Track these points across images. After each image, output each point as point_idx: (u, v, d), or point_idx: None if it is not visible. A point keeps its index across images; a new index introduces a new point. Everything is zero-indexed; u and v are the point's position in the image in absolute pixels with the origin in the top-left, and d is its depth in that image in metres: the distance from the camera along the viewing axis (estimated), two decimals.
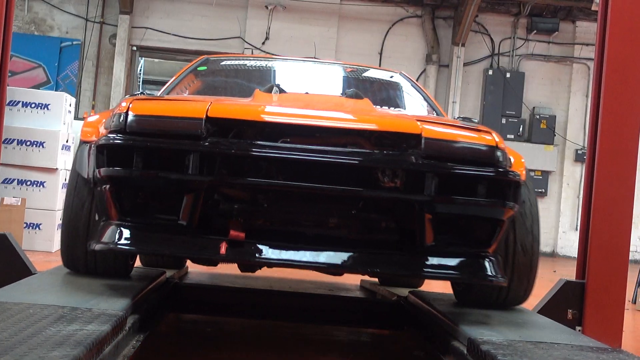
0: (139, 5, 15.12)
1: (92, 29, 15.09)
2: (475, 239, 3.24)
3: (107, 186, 3.09)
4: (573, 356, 2.70)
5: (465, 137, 3.22)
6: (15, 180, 8.16)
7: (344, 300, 4.91)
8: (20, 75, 14.25)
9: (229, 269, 4.95)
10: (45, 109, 8.32)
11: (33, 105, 8.32)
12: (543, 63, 15.84)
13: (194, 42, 14.95)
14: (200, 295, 4.56)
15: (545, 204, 15.25)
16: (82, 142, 3.66)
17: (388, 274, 4.21)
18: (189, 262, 5.73)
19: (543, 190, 15.26)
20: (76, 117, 10.46)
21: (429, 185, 3.04)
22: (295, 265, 3.13)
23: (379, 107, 4.26)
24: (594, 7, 13.91)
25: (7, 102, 7.20)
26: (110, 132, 3.12)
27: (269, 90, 3.96)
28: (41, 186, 8.16)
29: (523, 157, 3.63)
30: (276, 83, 4.15)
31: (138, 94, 3.82)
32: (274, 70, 5.35)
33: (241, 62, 5.62)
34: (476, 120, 3.68)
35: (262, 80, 4.95)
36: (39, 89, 12.88)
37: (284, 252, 3.10)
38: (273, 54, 14.02)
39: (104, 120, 3.43)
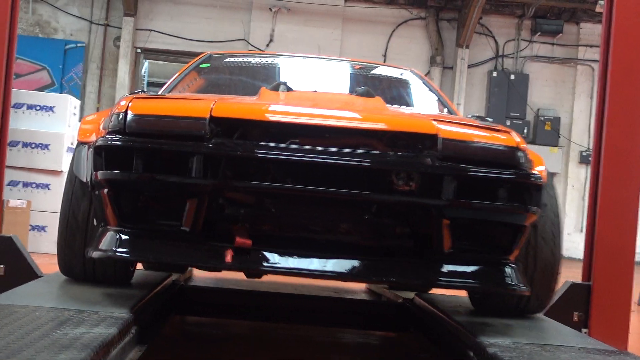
0: (143, 7, 15.14)
1: (96, 32, 15.13)
2: (495, 245, 3.05)
3: (105, 190, 2.92)
4: (580, 359, 2.70)
5: (484, 137, 3.02)
6: (21, 183, 8.17)
7: (349, 303, 4.90)
8: (24, 78, 14.28)
9: (234, 272, 4.94)
10: (50, 111, 8.33)
11: (38, 108, 8.33)
12: (547, 65, 15.83)
13: (198, 45, 14.96)
14: (206, 298, 4.55)
15: None
16: (80, 143, 3.45)
17: (403, 284, 3.91)
18: None
19: None
20: (81, 120, 10.47)
21: (447, 188, 2.85)
22: (305, 274, 2.94)
23: (389, 105, 3.99)
24: (598, 9, 13.92)
25: (12, 104, 7.21)
26: (109, 133, 2.94)
27: (276, 89, 3.76)
28: (46, 188, 8.17)
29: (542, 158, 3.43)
30: (283, 81, 3.93)
31: (139, 91, 3.57)
32: (281, 68, 5.10)
33: (246, 59, 5.33)
34: (490, 120, 3.49)
35: (268, 78, 4.70)
36: (43, 92, 12.89)
37: (293, 260, 2.92)
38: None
39: (103, 119, 3.21)
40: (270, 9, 15.14)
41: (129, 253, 2.95)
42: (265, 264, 2.91)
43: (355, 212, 3.01)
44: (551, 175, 3.39)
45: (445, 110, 4.52)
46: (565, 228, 15.47)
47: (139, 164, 2.83)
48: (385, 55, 15.34)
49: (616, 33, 4.46)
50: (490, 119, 3.54)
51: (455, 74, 15.33)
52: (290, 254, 2.93)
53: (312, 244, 3.02)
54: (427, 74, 15.37)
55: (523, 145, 3.03)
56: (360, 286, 6.54)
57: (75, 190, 3.38)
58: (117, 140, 2.87)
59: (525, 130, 15.30)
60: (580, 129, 15.61)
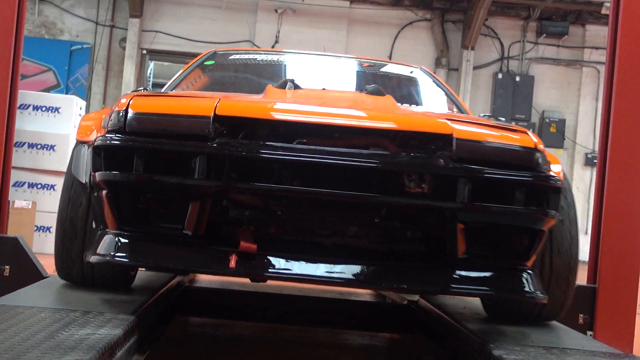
0: (149, 8, 15.15)
1: (102, 33, 15.14)
2: (512, 250, 2.92)
3: (104, 192, 2.82)
4: None
5: (500, 137, 2.90)
6: (26, 184, 8.19)
7: (353, 304, 4.89)
8: (30, 79, 14.30)
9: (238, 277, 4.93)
10: (56, 112, 8.35)
11: (44, 109, 8.35)
12: (553, 66, 15.80)
13: (204, 46, 14.95)
14: (210, 299, 4.54)
15: None
16: (79, 142, 3.34)
17: (415, 291, 3.73)
18: None
19: None
20: None
21: (461, 191, 2.74)
22: (313, 281, 2.84)
23: (400, 104, 3.80)
24: (603, 11, 13.90)
25: (18, 105, 7.23)
26: (108, 132, 2.83)
27: (283, 86, 3.64)
28: (52, 189, 8.18)
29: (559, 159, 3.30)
30: (290, 78, 3.78)
31: (141, 89, 3.53)
32: (287, 65, 4.95)
33: (252, 56, 5.19)
34: (503, 120, 3.33)
35: (275, 75, 4.55)
36: (49, 93, 12.91)
37: (299, 265, 2.80)
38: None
39: (103, 117, 3.08)
40: (276, 10, 15.14)
41: (128, 258, 2.83)
42: (270, 270, 2.80)
43: (365, 215, 2.90)
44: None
45: (456, 109, 4.41)
46: None
47: (140, 165, 2.73)
48: (390, 57, 15.32)
49: (622, 35, 4.45)
50: (502, 119, 3.43)
51: (460, 75, 15.31)
52: (297, 259, 2.82)
53: (320, 248, 2.91)
54: None
55: (541, 146, 2.92)
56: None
57: (74, 191, 3.27)
58: (116, 140, 2.77)
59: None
60: (586, 131, 15.58)
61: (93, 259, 2.87)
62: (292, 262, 2.81)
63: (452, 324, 3.48)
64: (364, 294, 6.25)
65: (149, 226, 2.84)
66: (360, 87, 4.21)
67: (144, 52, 15.24)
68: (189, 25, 15.13)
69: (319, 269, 2.80)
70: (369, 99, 3.56)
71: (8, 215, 4.91)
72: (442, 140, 2.82)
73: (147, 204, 2.82)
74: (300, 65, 5.00)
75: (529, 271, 2.95)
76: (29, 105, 8.29)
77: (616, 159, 4.39)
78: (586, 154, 15.45)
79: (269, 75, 4.61)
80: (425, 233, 2.93)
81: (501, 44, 15.76)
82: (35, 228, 7.98)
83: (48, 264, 4.46)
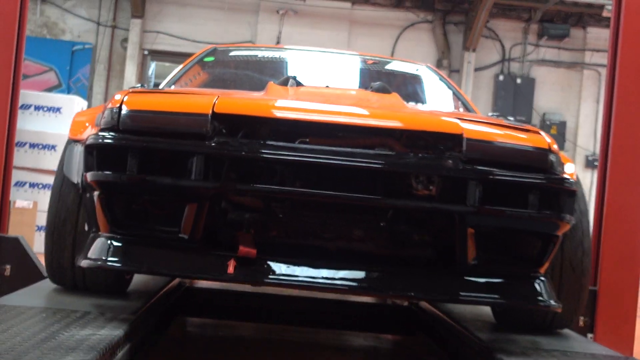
0: (150, 9, 15.16)
1: (103, 33, 15.14)
2: (524, 257, 2.81)
3: (97, 193, 2.70)
4: None
5: (512, 138, 2.78)
6: (27, 184, 8.19)
7: (355, 305, 4.87)
8: (32, 79, 14.30)
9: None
10: (57, 112, 8.36)
11: (45, 109, 8.36)
12: (554, 69, 15.80)
13: (205, 46, 14.96)
14: (211, 299, 4.54)
15: None
16: (71, 141, 3.18)
17: (423, 299, 3.58)
18: None
19: None
20: None
21: (472, 194, 2.62)
22: (316, 287, 2.72)
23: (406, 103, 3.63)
24: (605, 14, 13.91)
25: (20, 105, 7.24)
26: (101, 130, 2.70)
27: (284, 83, 3.49)
28: None
29: (571, 160, 3.20)
30: (292, 75, 3.64)
31: (138, 86, 3.39)
32: (290, 62, 4.80)
33: (253, 52, 5.04)
34: (512, 119, 3.17)
35: (276, 72, 4.38)
36: (50, 93, 12.92)
37: (301, 271, 2.67)
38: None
39: (97, 115, 2.93)
40: (278, 12, 15.14)
41: (120, 263, 2.70)
42: (271, 276, 2.68)
43: (370, 218, 2.78)
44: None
45: (464, 108, 4.30)
46: None
47: (134, 165, 2.60)
48: None
49: (624, 38, 4.46)
50: (511, 118, 3.27)
51: (461, 77, 15.31)
52: (299, 264, 2.69)
53: (323, 253, 2.79)
54: None
55: (554, 146, 2.81)
56: None
57: (64, 191, 3.13)
58: (109, 138, 2.64)
59: None
60: (586, 133, 15.58)
61: (84, 263, 2.74)
62: (294, 267, 2.69)
63: (453, 325, 3.48)
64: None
65: (143, 229, 2.72)
66: (365, 85, 4.08)
67: (146, 52, 15.24)
68: (190, 25, 15.13)
69: (322, 275, 2.68)
70: (374, 96, 3.44)
71: (9, 215, 4.91)
72: (451, 141, 2.70)
73: (141, 206, 2.71)
74: (303, 62, 4.86)
75: (542, 278, 2.83)
76: (31, 105, 8.30)
77: (617, 162, 4.39)
78: (587, 156, 15.44)
79: (270, 72, 4.45)
80: (433, 238, 2.81)
81: (502, 46, 15.76)
82: (37, 228, 7.98)
83: None
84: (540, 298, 2.78)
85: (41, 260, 4.28)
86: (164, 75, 19.43)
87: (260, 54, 4.95)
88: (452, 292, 2.74)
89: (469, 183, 2.63)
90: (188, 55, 16.36)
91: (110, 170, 2.63)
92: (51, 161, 8.18)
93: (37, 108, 8.38)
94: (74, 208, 3.09)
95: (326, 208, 2.76)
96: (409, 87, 4.70)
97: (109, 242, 2.72)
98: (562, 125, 15.46)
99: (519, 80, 15.50)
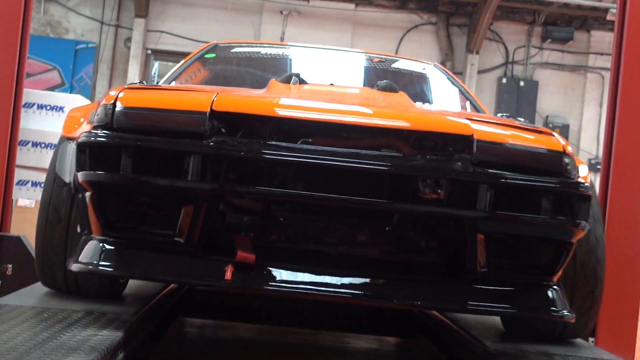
0: (154, 9, 15.17)
1: (107, 32, 15.16)
2: (537, 264, 2.68)
3: (89, 193, 2.57)
4: None
5: (525, 139, 2.67)
6: (30, 182, 8.19)
7: (356, 307, 4.86)
8: (35, 77, 14.31)
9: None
10: (60, 111, 8.35)
11: (48, 108, 8.35)
12: (557, 72, 15.80)
13: None
14: (212, 300, 4.53)
15: None
16: (64, 139, 3.07)
17: (430, 308, 3.44)
18: None
19: None
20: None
21: (483, 198, 2.50)
22: (317, 295, 2.59)
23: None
24: (609, 17, 13.90)
25: (23, 104, 7.25)
26: (94, 128, 2.58)
27: (287, 81, 3.36)
28: None
29: (584, 163, 3.07)
30: (295, 72, 3.49)
31: (137, 83, 3.22)
32: (293, 59, 4.66)
33: (255, 49, 4.86)
34: (522, 120, 3.10)
35: (279, 69, 4.22)
36: (53, 91, 12.92)
37: (302, 277, 2.55)
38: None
39: (91, 112, 2.81)
40: (281, 12, 15.15)
41: (113, 267, 2.58)
42: (270, 282, 2.55)
43: (375, 223, 2.67)
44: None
45: (473, 109, 4.18)
46: None
47: (128, 164, 2.49)
48: None
49: (628, 41, 4.45)
50: (522, 119, 3.15)
51: (464, 79, 15.30)
52: (300, 271, 2.57)
53: (325, 259, 2.66)
54: None
55: (569, 149, 2.69)
56: None
57: (56, 191, 2.99)
58: (102, 137, 2.52)
59: None
60: (589, 136, 15.58)
61: (75, 267, 2.63)
62: (295, 273, 2.57)
63: (453, 328, 3.47)
64: None
65: (137, 232, 2.60)
66: (370, 84, 3.91)
67: (149, 52, 15.26)
68: (194, 26, 15.14)
69: (324, 282, 2.55)
70: (380, 95, 3.31)
71: (11, 214, 4.92)
72: (461, 142, 2.58)
73: (135, 208, 2.59)
74: (306, 60, 4.72)
75: (555, 287, 2.71)
76: (34, 104, 8.28)
77: (620, 166, 4.39)
78: (589, 160, 15.43)
79: (273, 70, 4.29)
80: (441, 244, 2.68)
81: (506, 48, 15.76)
82: None
83: None
84: (553, 308, 2.67)
85: None
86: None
87: (263, 50, 4.81)
88: (460, 301, 2.63)
89: (480, 187, 2.52)
90: None
91: (103, 170, 2.52)
92: None
93: (40, 107, 8.37)
94: (66, 209, 2.96)
95: (329, 211, 2.65)
96: (416, 86, 4.55)
97: (101, 245, 2.60)
98: (565, 129, 15.45)
99: (522, 83, 15.50)
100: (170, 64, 16.81)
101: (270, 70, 4.32)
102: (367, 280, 2.59)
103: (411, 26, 15.61)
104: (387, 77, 4.06)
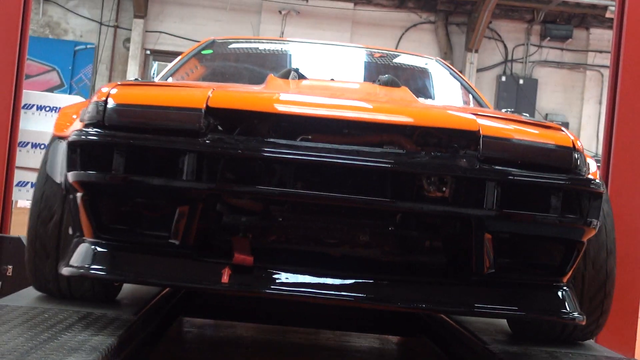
0: (153, 9, 15.18)
1: (106, 33, 15.17)
2: (546, 265, 2.59)
3: (80, 194, 2.48)
4: None
5: (533, 135, 2.56)
6: (29, 184, 8.18)
7: (357, 307, 4.85)
8: (34, 79, 14.32)
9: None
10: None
11: (47, 109, 8.34)
12: (556, 70, 15.81)
13: None
14: (213, 300, 4.52)
15: None
16: (55, 137, 2.94)
17: (435, 311, 3.29)
18: None
19: None
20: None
21: (490, 196, 2.42)
22: (318, 298, 2.49)
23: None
24: (608, 15, 13.91)
25: (22, 105, 7.25)
26: (85, 126, 2.48)
27: (286, 76, 3.26)
28: None
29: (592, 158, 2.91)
30: (294, 67, 3.39)
31: (133, 80, 3.12)
32: (292, 55, 4.51)
33: (253, 44, 4.77)
34: (527, 116, 2.99)
35: (278, 65, 4.05)
36: (53, 93, 12.93)
37: (303, 281, 2.47)
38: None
39: (82, 109, 2.69)
40: (280, 12, 15.16)
41: (105, 271, 2.49)
42: (269, 285, 2.46)
43: (378, 222, 2.59)
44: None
45: (477, 104, 4.07)
46: None
47: (120, 164, 2.39)
48: None
49: (627, 39, 4.46)
50: (526, 115, 3.05)
51: None
52: (300, 273, 2.49)
53: (326, 261, 2.58)
54: None
55: (579, 144, 2.59)
56: None
57: (47, 192, 2.86)
58: (94, 135, 2.42)
59: None
60: (589, 134, 15.58)
61: (65, 271, 2.53)
62: (294, 276, 2.48)
63: (455, 327, 3.47)
64: None
65: (131, 234, 2.50)
66: (371, 79, 3.77)
67: (148, 52, 15.28)
68: (193, 26, 15.16)
69: (325, 285, 2.47)
70: (382, 90, 3.20)
71: (11, 215, 4.92)
72: (467, 138, 2.48)
73: (128, 209, 2.51)
74: (306, 55, 4.58)
75: (565, 288, 2.62)
76: (33, 105, 8.27)
77: (620, 163, 4.40)
78: None
79: (272, 66, 4.12)
80: (446, 244, 2.59)
81: (505, 46, 15.77)
82: None
83: None
84: (563, 310, 2.57)
85: None
86: None
87: (261, 46, 4.71)
88: (466, 304, 2.53)
89: (487, 184, 2.43)
90: None
91: (95, 170, 2.42)
92: None
93: (40, 108, 8.37)
94: (58, 210, 2.83)
95: (330, 211, 2.56)
96: (419, 82, 4.43)
97: (92, 248, 2.51)
98: (564, 127, 15.40)
99: (521, 81, 15.52)
100: (169, 64, 16.82)
101: (268, 66, 4.19)
102: (370, 282, 2.51)
103: (410, 25, 15.62)
104: (389, 72, 3.97)
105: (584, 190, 2.51)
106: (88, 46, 15.13)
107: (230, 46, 4.62)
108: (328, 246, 2.60)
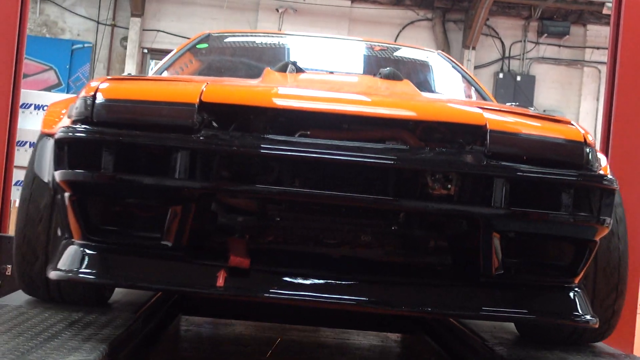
0: (150, 8, 15.17)
1: (103, 32, 15.15)
2: (556, 265, 2.47)
3: (68, 194, 2.37)
4: None
5: (543, 129, 2.43)
6: None
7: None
8: (31, 78, 14.30)
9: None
10: None
11: (45, 108, 8.34)
12: (554, 66, 15.81)
13: None
14: (213, 298, 4.51)
15: None
16: (43, 135, 2.82)
17: (441, 315, 3.16)
18: None
19: None
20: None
21: (498, 194, 2.29)
22: (319, 302, 2.40)
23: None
24: (605, 11, 13.91)
25: (20, 104, 7.25)
26: (73, 122, 2.38)
27: (283, 69, 3.14)
28: None
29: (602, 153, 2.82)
30: (292, 60, 3.27)
31: (127, 75, 2.98)
32: (289, 48, 4.35)
33: (249, 38, 4.63)
34: (532, 109, 2.88)
35: (276, 59, 3.84)
36: (50, 92, 12.92)
37: (302, 283, 2.35)
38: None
39: (70, 105, 2.56)
40: (277, 10, 15.15)
41: (95, 275, 2.37)
42: (267, 289, 2.35)
43: (380, 222, 2.50)
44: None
45: (480, 98, 3.97)
46: None
47: (109, 162, 2.28)
48: None
49: (624, 35, 4.46)
50: (532, 109, 2.94)
51: None
52: (299, 276, 2.37)
53: (327, 262, 2.47)
54: None
55: (590, 139, 2.46)
56: None
57: (35, 192, 2.76)
58: (81, 132, 2.31)
59: None
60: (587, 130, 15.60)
61: (53, 274, 2.41)
62: (293, 279, 2.36)
63: (454, 324, 3.48)
64: None
65: (121, 236, 2.39)
66: (371, 73, 3.65)
67: (145, 51, 15.27)
68: (190, 24, 15.13)
69: (326, 288, 2.35)
70: (384, 83, 3.08)
71: (10, 214, 4.92)
72: (473, 133, 2.38)
73: (118, 210, 2.40)
74: (304, 49, 4.45)
75: (577, 290, 2.49)
76: (31, 105, 8.27)
77: (617, 159, 4.40)
78: None
79: (269, 59, 3.96)
80: (452, 244, 2.49)
81: (502, 43, 15.77)
82: None
83: None
84: (575, 312, 2.45)
85: None
86: None
87: (257, 40, 4.56)
88: (474, 307, 2.41)
89: (495, 181, 2.30)
90: None
91: (83, 169, 2.31)
92: None
93: (37, 107, 8.36)
94: (47, 211, 2.73)
95: (330, 210, 2.47)
96: (420, 75, 4.29)
97: (81, 250, 2.39)
98: None
99: (519, 78, 15.52)
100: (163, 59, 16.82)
101: (265, 60, 4.05)
102: (373, 285, 2.40)
103: (407, 22, 15.61)
104: (390, 66, 3.79)
105: (597, 186, 2.40)
106: (85, 45, 15.11)
107: (226, 40, 4.50)
108: (328, 247, 2.51)
